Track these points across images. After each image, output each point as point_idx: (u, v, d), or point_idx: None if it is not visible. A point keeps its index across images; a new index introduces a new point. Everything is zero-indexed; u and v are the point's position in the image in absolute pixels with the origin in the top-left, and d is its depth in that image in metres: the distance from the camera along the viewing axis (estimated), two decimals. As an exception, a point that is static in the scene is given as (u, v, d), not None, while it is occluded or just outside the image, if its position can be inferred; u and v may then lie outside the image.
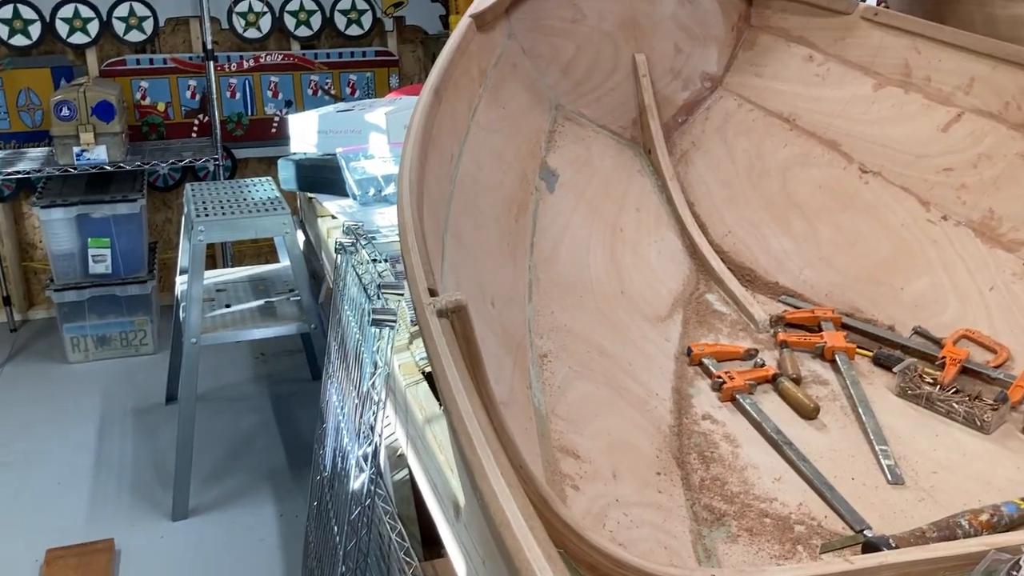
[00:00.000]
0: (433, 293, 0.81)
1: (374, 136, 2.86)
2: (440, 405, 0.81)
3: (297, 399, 3.53)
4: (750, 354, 1.56)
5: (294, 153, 2.99)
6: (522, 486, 0.85)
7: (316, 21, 4.37)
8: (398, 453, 1.63)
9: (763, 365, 1.53)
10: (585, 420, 1.26)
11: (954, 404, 1.41)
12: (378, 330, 1.53)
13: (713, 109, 2.08)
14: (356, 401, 1.77)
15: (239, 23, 4.26)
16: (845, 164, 1.87)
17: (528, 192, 1.67)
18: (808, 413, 1.41)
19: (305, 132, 2.99)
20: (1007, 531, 1.13)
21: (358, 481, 1.69)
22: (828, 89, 1.95)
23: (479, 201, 1.45)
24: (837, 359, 1.55)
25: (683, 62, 2.10)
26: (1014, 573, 0.98)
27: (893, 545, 1.09)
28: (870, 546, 1.10)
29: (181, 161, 3.90)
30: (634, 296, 1.66)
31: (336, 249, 1.97)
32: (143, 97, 4.21)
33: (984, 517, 1.15)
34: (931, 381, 1.46)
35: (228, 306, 3.03)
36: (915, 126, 1.83)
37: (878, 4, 2.11)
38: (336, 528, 1.82)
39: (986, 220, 1.69)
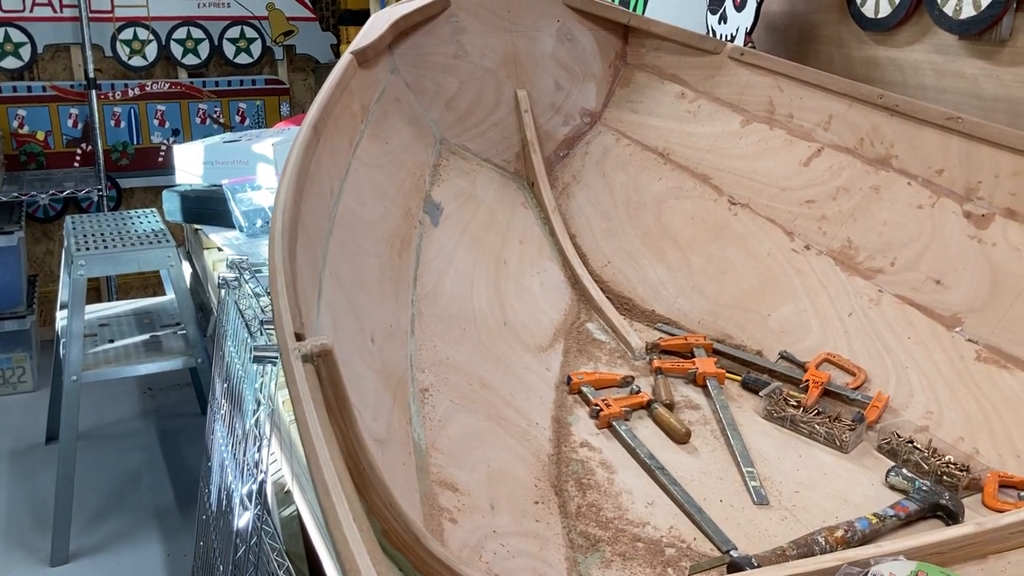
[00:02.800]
0: (300, 337, 0.82)
1: (261, 167, 2.84)
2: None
3: (186, 435, 3.45)
4: (626, 381, 1.62)
5: (179, 184, 2.94)
6: (392, 524, 0.88)
7: (204, 49, 4.31)
8: (285, 489, 1.62)
9: (639, 392, 1.58)
10: (465, 452, 1.29)
11: (816, 425, 1.49)
12: (260, 366, 1.53)
13: (592, 144, 2.15)
14: (240, 438, 1.75)
15: (123, 51, 4.17)
16: (715, 196, 1.96)
17: (412, 226, 1.69)
18: (680, 438, 1.47)
19: (191, 162, 2.95)
20: (860, 545, 1.20)
21: (243, 519, 1.68)
22: (699, 125, 2.05)
23: (360, 237, 1.47)
24: (708, 384, 1.62)
25: (563, 98, 2.16)
26: (862, 585, 1.05)
27: (755, 564, 1.14)
28: (734, 567, 1.15)
29: (63, 191, 3.78)
30: (516, 327, 1.70)
31: (219, 284, 1.95)
32: (21, 125, 4.07)
33: (839, 533, 1.22)
34: (795, 404, 1.54)
35: (111, 341, 2.95)
36: (779, 160, 1.93)
37: (745, 44, 2.22)
38: (221, 568, 1.80)
39: (845, 249, 1.79)
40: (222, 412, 1.90)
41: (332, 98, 1.54)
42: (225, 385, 1.87)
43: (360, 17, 4.20)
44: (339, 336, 1.19)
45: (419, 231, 1.72)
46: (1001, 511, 1.27)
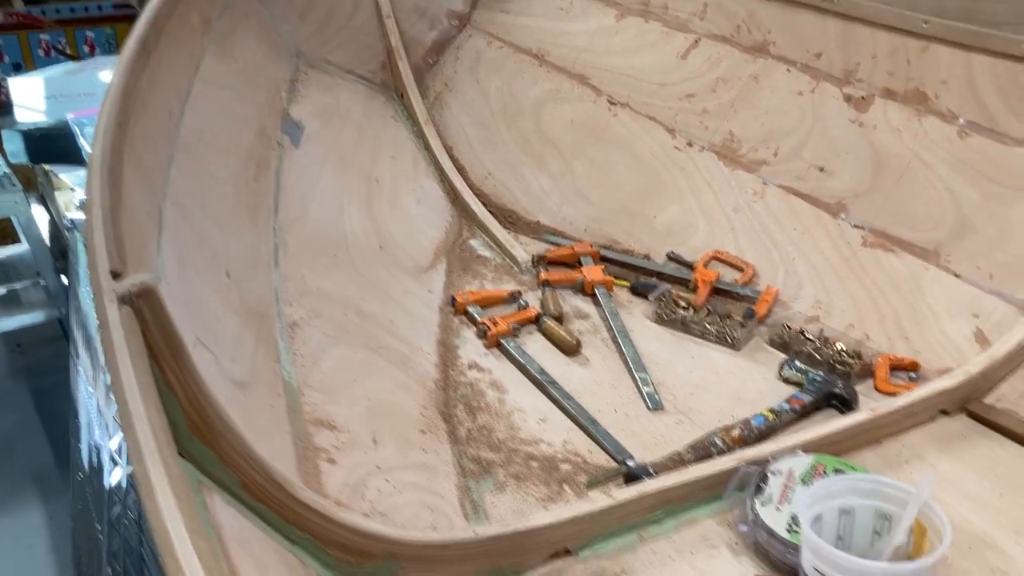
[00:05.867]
0: (118, 276, 0.71)
1: (110, 98, 2.61)
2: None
3: (62, 391, 3.24)
4: (514, 297, 1.54)
5: (21, 123, 2.69)
6: (251, 475, 0.79)
7: (40, -26, 3.95)
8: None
9: (526, 307, 1.51)
10: (342, 387, 1.19)
11: (707, 325, 1.45)
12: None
13: (463, 48, 2.03)
14: (103, 391, 1.62)
15: (-55, -21, 3.77)
16: (595, 97, 1.88)
17: (269, 148, 1.56)
18: (571, 350, 1.41)
19: (31, 98, 2.70)
20: (757, 443, 1.17)
21: (114, 476, 1.56)
22: (573, 22, 1.95)
23: (208, 163, 1.33)
24: (597, 293, 1.56)
25: (427, 1, 2.03)
26: (762, 484, 1.02)
27: (652, 473, 1.10)
28: (631, 477, 1.11)
29: None
30: (394, 250, 1.60)
31: (66, 227, 1.78)
32: None
33: (735, 432, 1.19)
34: (685, 305, 1.50)
35: (-37, 299, 2.72)
36: (657, 55, 1.86)
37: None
38: (99, 527, 1.68)
39: (727, 143, 1.75)
40: (83, 364, 1.75)
41: (164, 9, 1.37)
42: (83, 335, 1.72)
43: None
44: (186, 273, 1.07)
45: (278, 153, 1.58)
46: (893, 394, 1.26)
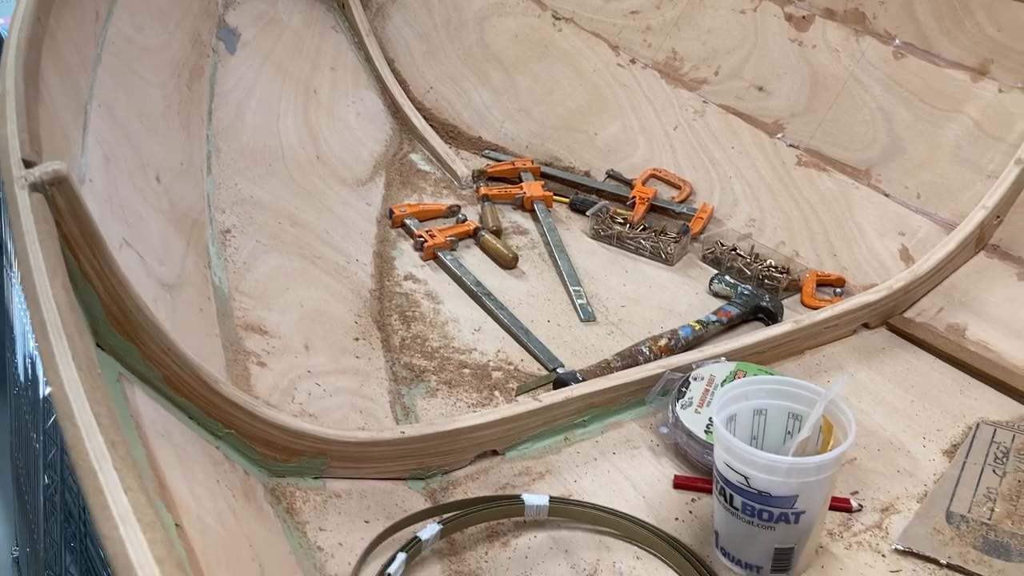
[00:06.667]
0: (30, 165, 0.70)
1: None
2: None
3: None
4: (452, 211, 1.54)
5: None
6: (175, 370, 0.79)
7: None
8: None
9: (465, 221, 1.52)
10: (274, 294, 1.19)
11: (642, 241, 1.47)
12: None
13: (407, -41, 1.99)
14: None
15: None
16: (539, 11, 1.86)
17: (203, 54, 1.52)
18: (507, 263, 1.42)
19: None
20: (683, 352, 1.20)
21: (48, 387, 1.55)
22: (519, -66, 1.91)
23: (138, 66, 1.29)
24: (536, 208, 1.57)
25: (370, -92, 1.97)
26: (684, 389, 1.05)
27: (580, 379, 1.13)
28: (560, 382, 1.14)
29: None
30: (331, 161, 1.58)
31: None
32: None
33: (663, 342, 1.22)
34: (622, 221, 1.52)
35: None
36: (602, -30, 1.83)
37: None
38: (35, 437, 1.67)
39: (670, 61, 1.74)
40: (14, 271, 1.72)
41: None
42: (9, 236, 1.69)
43: None
44: (112, 174, 1.05)
45: (212, 60, 1.54)
46: (818, 308, 1.29)
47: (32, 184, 0.66)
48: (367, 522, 0.88)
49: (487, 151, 1.76)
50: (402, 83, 1.85)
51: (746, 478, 0.81)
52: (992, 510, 0.94)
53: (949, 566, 0.87)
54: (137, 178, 1.12)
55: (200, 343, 0.98)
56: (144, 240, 1.01)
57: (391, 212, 1.51)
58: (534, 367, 1.21)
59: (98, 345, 0.73)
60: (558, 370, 1.18)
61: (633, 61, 1.77)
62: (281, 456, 0.89)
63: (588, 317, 1.31)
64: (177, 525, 0.58)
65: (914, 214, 1.41)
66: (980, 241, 1.34)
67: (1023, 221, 1.33)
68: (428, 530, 0.85)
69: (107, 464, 0.45)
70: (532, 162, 1.68)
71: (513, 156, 1.73)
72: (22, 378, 1.80)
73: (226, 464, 0.82)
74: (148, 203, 1.11)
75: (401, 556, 0.81)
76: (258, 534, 0.75)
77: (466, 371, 1.19)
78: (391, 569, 0.80)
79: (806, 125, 1.56)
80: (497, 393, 1.15)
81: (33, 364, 1.65)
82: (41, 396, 1.57)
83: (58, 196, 0.67)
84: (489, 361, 1.21)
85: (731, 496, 0.83)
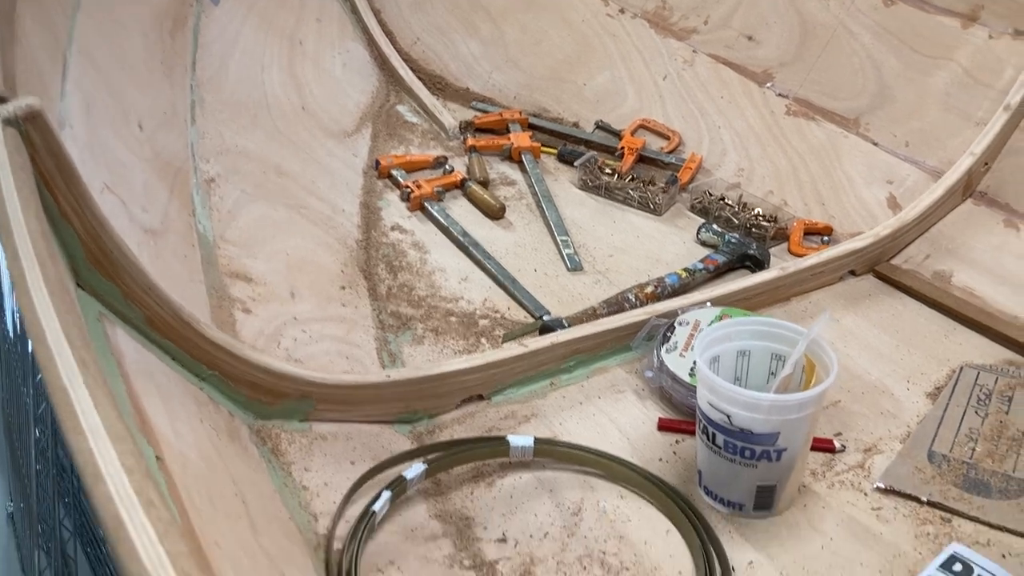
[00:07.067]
0: (3, 100, 0.69)
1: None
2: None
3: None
4: (439, 162, 1.54)
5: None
6: (156, 311, 0.79)
7: None
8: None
9: (452, 171, 1.51)
10: (260, 243, 1.19)
11: (630, 191, 1.47)
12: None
13: (393, -92, 1.95)
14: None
15: None
16: (527, -39, 1.83)
17: (186, 4, 1.50)
18: (494, 213, 1.42)
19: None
20: (669, 299, 1.20)
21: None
22: None
23: (119, 14, 1.28)
24: (523, 159, 1.56)
25: None
26: (669, 334, 1.05)
27: (566, 325, 1.13)
28: (546, 329, 1.14)
29: None
30: (317, 112, 1.57)
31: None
32: None
33: (649, 289, 1.22)
34: (610, 171, 1.51)
35: None
36: (591, -82, 1.81)
37: None
38: (25, 391, 1.68)
39: (659, 10, 1.73)
40: None
41: None
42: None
43: None
44: (93, 121, 1.04)
45: (196, 10, 1.52)
46: (804, 256, 1.30)
47: (5, 119, 0.66)
48: (353, 463, 0.89)
49: (475, 102, 1.74)
50: (389, 34, 1.83)
51: (728, 416, 0.81)
52: (974, 450, 0.94)
53: (930, 503, 0.88)
54: (119, 125, 1.11)
55: (184, 289, 0.97)
56: (126, 186, 1.01)
57: (377, 163, 1.50)
58: (521, 315, 1.21)
59: (78, 285, 0.73)
60: (544, 317, 1.18)
61: (622, 11, 1.75)
62: (266, 398, 0.89)
63: (575, 266, 1.31)
64: (158, 458, 0.59)
65: (902, 162, 1.40)
66: (968, 188, 1.34)
67: (1011, 168, 1.33)
68: (413, 469, 0.86)
69: (77, 381, 0.44)
70: (520, 113, 1.67)
71: (501, 107, 1.72)
72: (11, 333, 1.80)
73: (210, 405, 0.82)
74: (130, 151, 1.10)
75: (386, 494, 0.82)
76: (242, 472, 0.76)
77: (453, 319, 1.19)
78: (376, 507, 0.80)
79: (795, 74, 1.55)
80: (484, 340, 1.15)
81: (21, 319, 1.65)
82: (30, 350, 1.57)
83: (32, 132, 0.67)
84: (476, 310, 1.21)
85: (713, 435, 0.84)
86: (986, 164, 1.33)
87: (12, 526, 1.89)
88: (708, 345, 0.89)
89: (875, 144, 1.43)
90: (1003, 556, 0.82)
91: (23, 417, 1.75)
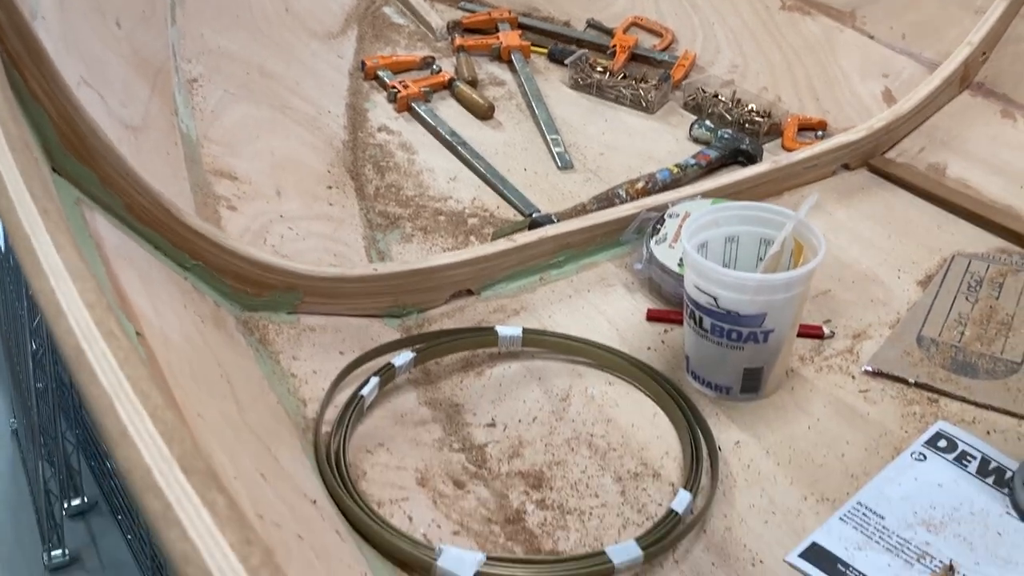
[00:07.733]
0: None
1: None
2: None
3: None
4: (427, 62, 1.50)
5: None
6: (136, 198, 0.78)
7: None
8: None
9: (439, 72, 1.48)
10: (244, 142, 1.17)
11: (622, 89, 1.44)
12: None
13: None
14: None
15: None
16: None
17: (161, -99, 1.45)
18: (483, 113, 1.39)
19: None
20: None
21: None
22: None
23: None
24: (513, 58, 1.53)
25: None
26: (659, 226, 1.04)
27: (555, 221, 1.12)
28: (535, 225, 1.13)
29: None
30: (301, 13, 1.53)
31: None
32: None
33: (640, 185, 1.21)
34: (601, 70, 1.48)
35: None
36: None
37: None
38: (19, 305, 1.68)
39: (652, -96, 1.67)
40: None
41: None
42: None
43: None
44: (69, 16, 1.01)
45: (172, -94, 1.47)
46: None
47: (-32, -6, 0.64)
48: (342, 353, 0.89)
49: (463, 2, 1.70)
50: (372, -66, 1.78)
51: (715, 298, 0.81)
52: (962, 333, 0.94)
53: (917, 384, 0.88)
54: (95, 21, 1.08)
55: (167, 183, 0.96)
56: (104, 81, 0.99)
57: (363, 64, 1.47)
58: (510, 213, 1.20)
59: (54, 170, 0.72)
60: (534, 215, 1.17)
61: (613, -95, 1.70)
62: (252, 290, 0.88)
63: (565, 165, 1.29)
64: (138, 334, 0.58)
65: (898, 55, 1.38)
66: (965, 79, 1.31)
67: (1010, 57, 1.30)
68: (402, 357, 0.86)
69: (39, 227, 0.43)
70: (509, 12, 1.63)
71: (490, 6, 1.68)
72: (3, 246, 1.79)
73: (194, 293, 0.82)
74: (108, 47, 1.07)
75: (374, 380, 0.82)
76: (228, 357, 0.76)
77: (441, 218, 1.18)
78: (364, 392, 0.80)
79: (791, -33, 1.50)
80: (473, 238, 1.14)
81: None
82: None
83: (-2, 12, 0.65)
84: (464, 208, 1.20)
85: (700, 319, 0.84)
86: (984, 54, 1.31)
87: (17, 441, 1.91)
88: (696, 231, 0.88)
89: (871, 37, 1.40)
90: (988, 432, 0.83)
91: (19, 331, 1.75)
